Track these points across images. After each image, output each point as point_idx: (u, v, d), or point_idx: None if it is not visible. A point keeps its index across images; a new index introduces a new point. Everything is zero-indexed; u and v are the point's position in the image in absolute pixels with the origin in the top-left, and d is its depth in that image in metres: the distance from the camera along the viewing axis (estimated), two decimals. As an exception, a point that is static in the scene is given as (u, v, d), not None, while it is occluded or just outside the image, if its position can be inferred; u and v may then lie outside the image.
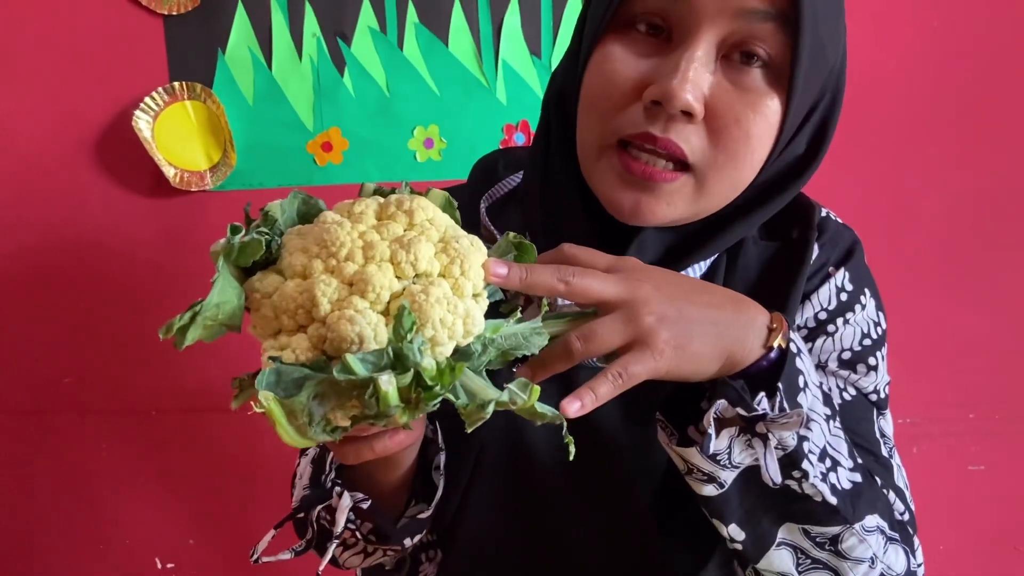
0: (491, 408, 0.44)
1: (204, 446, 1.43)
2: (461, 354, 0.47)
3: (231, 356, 1.39)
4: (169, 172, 1.28)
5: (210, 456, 1.44)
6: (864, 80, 1.25)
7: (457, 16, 1.25)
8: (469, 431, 0.44)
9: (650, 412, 0.63)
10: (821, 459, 0.57)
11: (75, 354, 1.40)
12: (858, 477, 0.60)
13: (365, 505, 0.62)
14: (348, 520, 0.62)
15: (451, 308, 0.45)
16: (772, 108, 0.58)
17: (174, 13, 1.25)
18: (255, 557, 0.62)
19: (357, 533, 0.64)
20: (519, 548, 0.74)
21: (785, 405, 0.56)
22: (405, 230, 0.48)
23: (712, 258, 0.70)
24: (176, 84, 1.27)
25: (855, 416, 0.69)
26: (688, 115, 0.57)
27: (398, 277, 0.46)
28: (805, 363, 0.59)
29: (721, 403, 0.55)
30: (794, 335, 0.59)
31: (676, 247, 0.66)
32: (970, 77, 1.26)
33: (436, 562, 0.77)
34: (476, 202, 0.75)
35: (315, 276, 0.45)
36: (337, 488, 0.63)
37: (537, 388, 0.45)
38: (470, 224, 0.55)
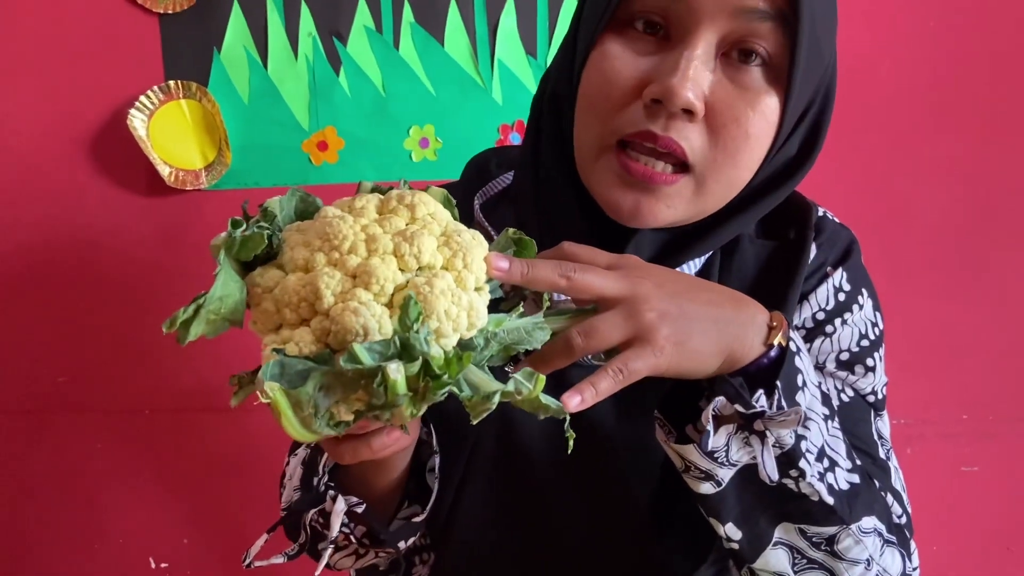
0: (497, 398, 0.44)
1: (199, 446, 1.43)
2: (464, 347, 0.47)
3: (226, 356, 1.38)
4: (164, 171, 1.28)
5: (205, 456, 1.43)
6: (859, 80, 1.25)
7: (453, 16, 1.25)
8: (475, 422, 0.44)
9: (645, 410, 0.63)
10: (819, 459, 0.57)
11: (70, 353, 1.39)
12: (856, 478, 0.60)
13: (359, 509, 0.62)
14: (342, 523, 0.62)
15: (455, 300, 0.45)
16: (771, 106, 0.59)
17: (170, 12, 1.25)
18: (248, 562, 0.62)
19: (351, 536, 0.64)
20: (513, 548, 0.74)
21: (783, 403, 0.56)
22: (407, 224, 0.48)
23: (706, 256, 0.70)
24: (171, 83, 1.26)
25: (853, 418, 0.69)
26: (689, 113, 0.57)
27: (401, 270, 0.46)
28: (804, 362, 0.59)
29: (720, 400, 0.55)
30: (794, 334, 0.60)
31: (671, 245, 0.66)
32: (966, 77, 1.27)
33: (429, 564, 0.77)
34: (469, 200, 0.75)
35: (318, 269, 0.45)
36: (331, 492, 0.62)
37: (542, 377, 0.45)
38: (464, 222, 0.55)
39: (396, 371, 0.40)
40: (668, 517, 0.70)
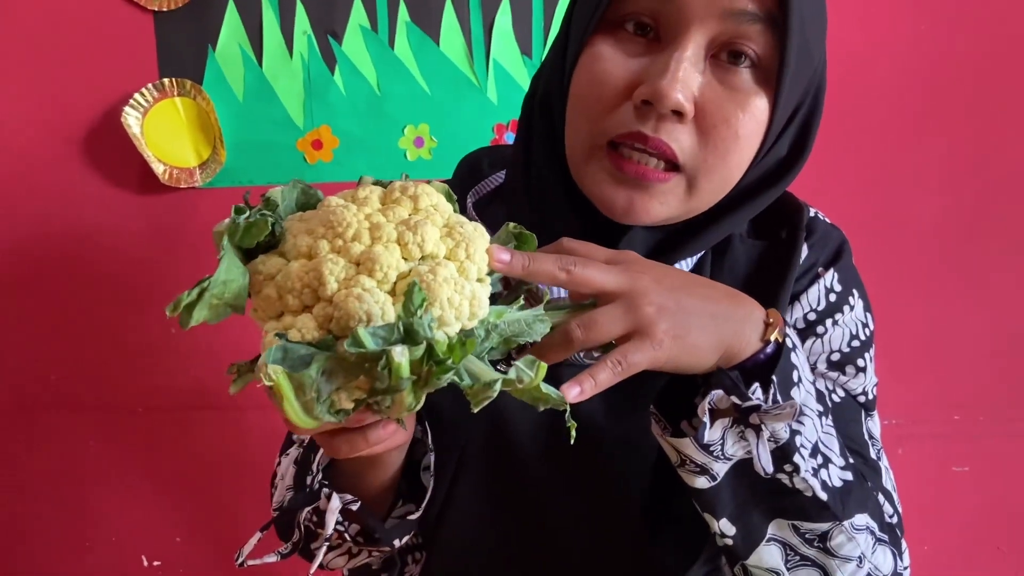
0: (498, 386, 0.44)
1: (192, 444, 1.43)
2: (465, 336, 0.47)
3: (220, 354, 1.39)
4: (158, 169, 1.28)
5: (198, 454, 1.43)
6: (852, 81, 1.26)
7: (448, 15, 1.25)
8: (476, 410, 0.45)
9: (637, 408, 0.64)
10: (813, 455, 0.58)
11: (63, 350, 1.39)
12: (849, 475, 0.61)
13: (354, 507, 0.62)
14: (336, 522, 0.62)
15: (458, 289, 0.45)
16: (760, 107, 0.59)
17: (164, 9, 1.25)
18: (240, 560, 0.62)
19: (345, 534, 0.64)
20: (504, 546, 0.74)
21: (779, 397, 0.56)
22: (410, 214, 0.49)
23: (698, 256, 0.70)
24: (166, 80, 1.26)
25: (844, 418, 0.70)
26: (678, 115, 0.57)
27: (404, 258, 0.46)
28: (799, 359, 0.60)
29: (716, 393, 0.55)
30: (789, 331, 0.60)
31: (663, 244, 0.67)
32: (959, 78, 1.27)
33: (420, 563, 0.78)
34: (462, 198, 0.75)
35: (322, 255, 0.45)
36: (325, 490, 0.62)
37: (544, 365, 0.46)
38: None
39: (401, 354, 0.40)
40: (661, 516, 0.71)
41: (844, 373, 0.71)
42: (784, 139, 0.64)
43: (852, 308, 0.72)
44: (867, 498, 0.62)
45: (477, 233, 0.49)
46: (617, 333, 0.51)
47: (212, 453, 1.43)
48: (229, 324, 1.37)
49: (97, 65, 1.27)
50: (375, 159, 1.30)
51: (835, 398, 0.70)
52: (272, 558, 0.63)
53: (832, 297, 0.71)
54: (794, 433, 0.56)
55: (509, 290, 0.54)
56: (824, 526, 0.59)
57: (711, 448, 0.56)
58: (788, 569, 0.61)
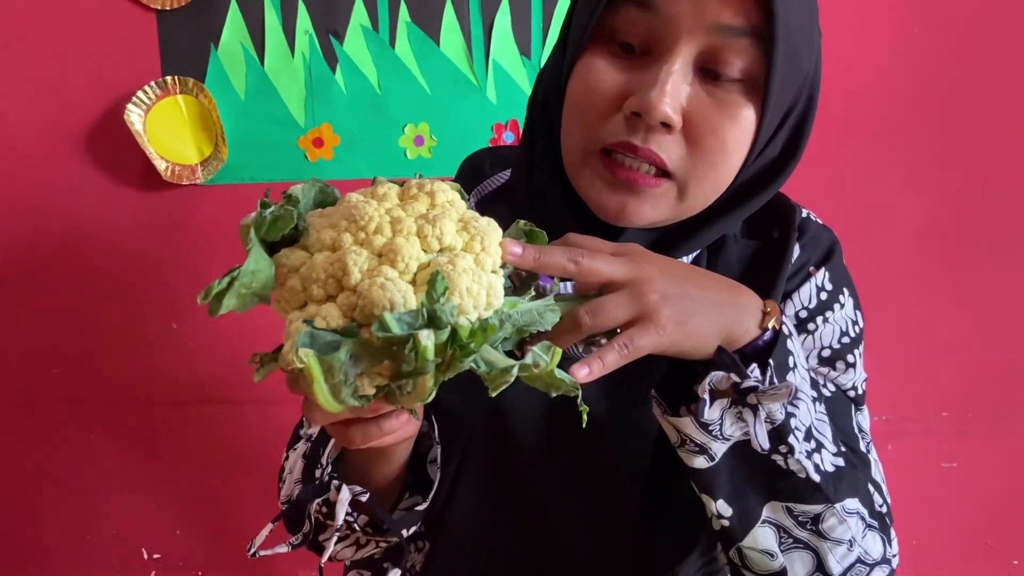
0: (515, 371, 0.46)
1: (192, 439, 1.45)
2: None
3: (219, 350, 1.41)
4: (160, 165, 1.29)
5: (198, 449, 1.45)
6: (845, 84, 1.28)
7: (449, 16, 1.27)
8: (493, 394, 0.46)
9: (635, 399, 0.66)
10: (807, 438, 0.60)
11: (65, 345, 1.40)
12: (841, 462, 0.63)
13: (364, 498, 0.64)
14: (346, 513, 0.64)
15: (476, 279, 0.47)
16: (747, 117, 0.61)
17: (167, 8, 1.26)
18: (252, 551, 0.64)
19: (354, 525, 0.66)
20: (506, 536, 0.76)
21: (775, 379, 0.58)
22: (428, 209, 0.51)
23: (693, 255, 0.72)
24: (168, 78, 1.28)
25: (835, 411, 0.71)
26: (667, 126, 0.59)
27: (424, 251, 0.48)
28: (795, 346, 0.62)
29: (716, 375, 0.57)
30: (786, 319, 0.62)
31: (658, 243, 0.69)
32: (949, 81, 1.29)
33: (424, 552, 0.80)
34: (465, 198, 0.77)
35: (346, 247, 0.47)
36: (335, 482, 0.64)
37: (559, 351, 0.48)
38: None
39: (427, 337, 0.42)
40: (658, 505, 0.73)
41: (835, 368, 0.73)
42: (776, 142, 0.66)
43: (843, 306, 0.74)
44: (858, 485, 0.64)
45: (491, 227, 0.51)
46: (623, 319, 0.53)
47: (211, 447, 1.45)
48: (228, 322, 1.38)
49: (100, 63, 1.28)
50: (376, 157, 1.31)
51: (826, 392, 0.72)
52: (283, 548, 0.64)
53: (823, 295, 0.73)
54: (789, 415, 0.58)
55: (520, 283, 0.56)
56: (816, 508, 0.61)
57: (710, 427, 0.58)
58: (782, 551, 0.63)
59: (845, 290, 0.75)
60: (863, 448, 0.72)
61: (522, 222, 0.55)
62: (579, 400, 0.50)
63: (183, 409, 1.43)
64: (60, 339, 1.40)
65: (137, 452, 1.46)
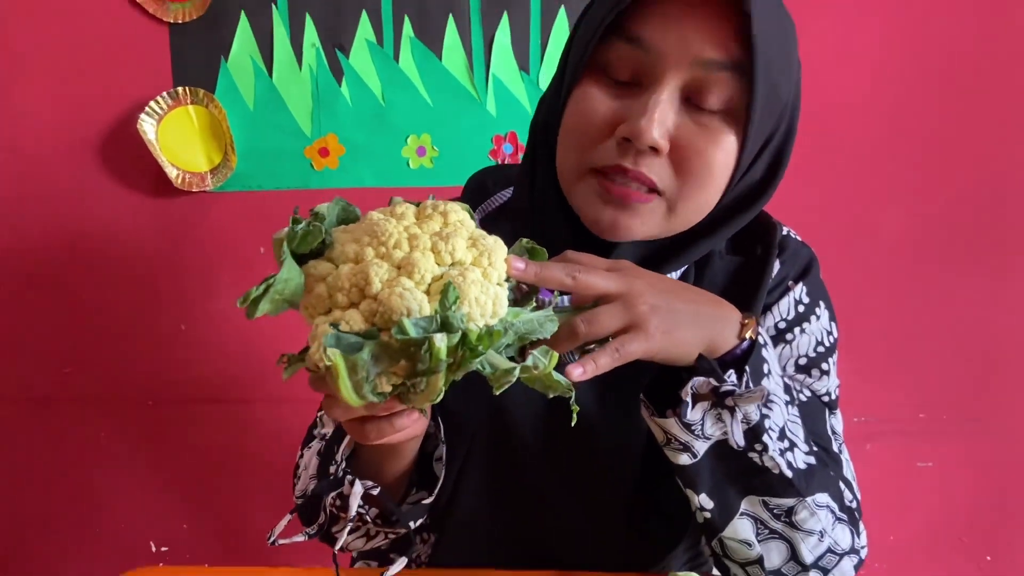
0: (517, 372, 0.52)
1: (198, 435, 1.49)
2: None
3: (226, 350, 1.45)
4: (172, 173, 1.34)
5: (204, 445, 1.49)
6: (828, 101, 1.32)
7: (451, 32, 1.32)
8: (497, 393, 0.52)
9: (625, 404, 0.71)
10: (780, 438, 0.66)
11: (77, 345, 1.45)
12: (813, 460, 0.69)
13: (375, 492, 0.69)
14: (358, 506, 0.69)
15: (484, 290, 0.52)
16: (730, 143, 0.66)
17: (179, 22, 1.31)
18: (272, 539, 0.69)
19: (366, 517, 0.71)
20: (505, 527, 0.82)
21: (751, 384, 0.64)
22: (441, 227, 0.56)
23: (682, 270, 0.78)
24: (180, 89, 1.32)
25: (811, 415, 0.77)
26: (655, 150, 0.65)
27: (438, 264, 0.53)
28: (770, 355, 0.67)
29: (698, 380, 0.63)
30: (762, 331, 0.68)
31: (648, 258, 0.74)
32: (928, 100, 1.34)
33: (429, 543, 0.85)
34: (473, 217, 0.82)
35: (368, 260, 0.52)
36: (349, 477, 0.69)
37: (556, 354, 0.53)
38: None
39: (441, 339, 0.48)
40: (648, 500, 0.78)
41: (810, 375, 0.79)
42: (758, 166, 0.72)
43: (819, 318, 0.80)
44: (828, 481, 0.70)
45: (497, 245, 0.56)
46: (615, 327, 0.59)
47: (217, 444, 1.50)
48: (235, 324, 1.43)
49: (115, 74, 1.33)
50: (379, 167, 1.36)
51: (802, 398, 0.78)
52: (300, 538, 0.69)
53: (800, 308, 0.79)
54: (764, 416, 0.64)
55: (522, 296, 0.61)
56: (789, 502, 0.67)
57: (693, 427, 0.64)
58: (759, 541, 0.69)
59: (821, 303, 0.80)
60: (836, 448, 0.78)
61: (525, 240, 0.61)
62: (572, 400, 0.55)
63: (191, 407, 1.47)
64: (72, 340, 1.44)
65: (146, 448, 1.50)
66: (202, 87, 1.33)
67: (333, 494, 0.70)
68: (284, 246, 0.53)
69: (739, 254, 0.80)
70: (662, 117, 0.64)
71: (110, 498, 1.52)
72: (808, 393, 0.79)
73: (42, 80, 1.34)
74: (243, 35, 1.32)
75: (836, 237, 1.37)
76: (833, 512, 0.69)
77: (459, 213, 0.58)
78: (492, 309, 0.53)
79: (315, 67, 1.33)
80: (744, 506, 0.68)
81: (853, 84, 1.34)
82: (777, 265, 0.79)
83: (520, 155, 1.35)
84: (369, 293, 0.51)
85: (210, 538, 1.55)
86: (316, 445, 0.81)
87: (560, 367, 0.55)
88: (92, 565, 1.54)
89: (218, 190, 1.37)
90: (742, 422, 0.64)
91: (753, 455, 0.65)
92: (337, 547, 0.71)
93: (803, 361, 0.79)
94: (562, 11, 1.30)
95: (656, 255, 0.74)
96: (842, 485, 0.73)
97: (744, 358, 0.65)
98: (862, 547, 0.73)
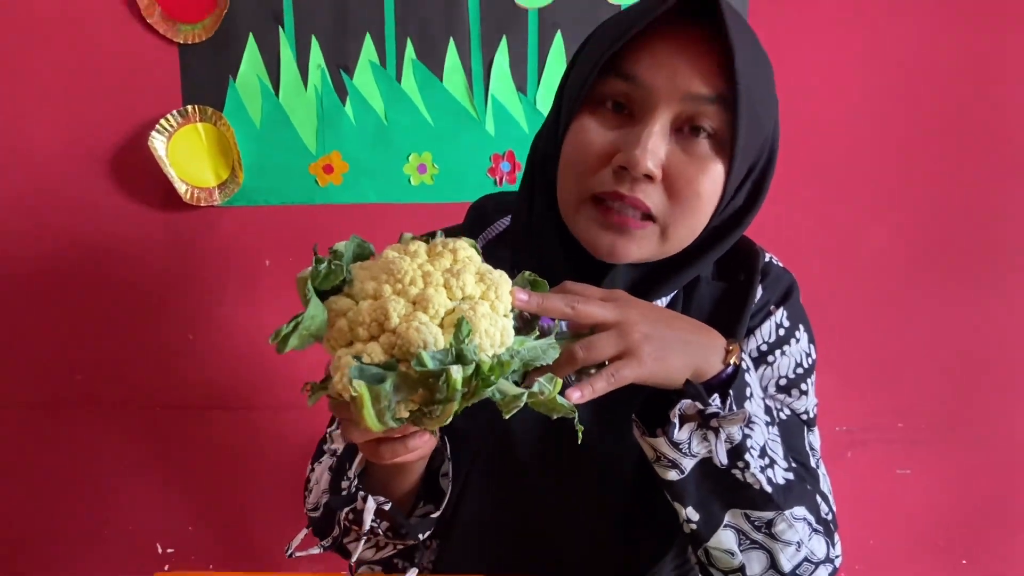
0: (524, 398, 0.56)
1: (205, 441, 1.52)
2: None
3: (231, 358, 1.48)
4: (181, 188, 1.38)
5: (210, 450, 1.53)
6: (811, 118, 1.36)
7: (451, 54, 1.36)
8: (507, 416, 0.56)
9: (619, 423, 0.76)
10: (761, 456, 0.71)
11: (87, 353, 1.48)
12: (791, 476, 0.73)
13: (386, 507, 0.74)
14: (371, 519, 0.73)
15: (492, 323, 0.56)
16: (717, 170, 0.71)
17: (190, 43, 1.35)
18: (290, 552, 0.74)
19: (377, 530, 0.75)
20: (505, 537, 0.87)
21: (734, 407, 0.69)
22: (451, 264, 0.60)
23: (672, 295, 0.83)
24: (189, 107, 1.36)
25: (790, 433, 0.82)
26: (649, 178, 0.70)
27: (449, 299, 0.57)
28: (752, 379, 0.72)
29: (685, 402, 0.68)
30: (745, 356, 0.73)
31: (641, 281, 0.79)
32: (910, 117, 1.38)
33: (433, 550, 0.90)
34: (478, 251, 0.87)
35: (386, 296, 0.56)
36: (361, 493, 0.74)
37: (559, 381, 0.57)
38: None
39: (457, 371, 0.52)
40: (639, 513, 0.83)
41: (790, 395, 0.84)
42: (741, 192, 0.77)
43: (798, 341, 0.85)
44: (805, 495, 0.75)
45: (503, 279, 0.61)
46: (611, 353, 0.63)
47: (222, 449, 1.53)
48: (240, 334, 1.47)
49: (128, 93, 1.36)
50: (381, 184, 1.41)
51: (782, 416, 0.82)
52: (316, 550, 0.74)
53: (781, 331, 0.84)
54: (745, 436, 0.69)
55: (524, 324, 0.66)
56: (769, 514, 0.71)
57: (680, 446, 0.69)
58: (741, 551, 0.73)
59: (801, 326, 0.85)
60: (813, 464, 0.82)
61: (527, 273, 0.65)
62: (575, 420, 0.60)
63: (197, 413, 1.50)
64: (84, 347, 1.47)
65: (153, 453, 1.53)
66: (211, 105, 1.37)
67: (347, 509, 0.74)
68: (308, 284, 0.57)
69: (724, 280, 0.84)
70: (655, 148, 0.69)
71: (118, 500, 1.55)
72: (788, 412, 0.83)
73: (58, 99, 1.37)
74: (251, 56, 1.36)
75: (817, 250, 1.41)
76: (810, 524, 0.74)
77: (467, 250, 0.63)
78: (500, 339, 0.57)
79: (320, 87, 1.37)
80: (727, 518, 0.73)
81: (837, 101, 1.37)
82: (760, 290, 0.83)
83: (517, 173, 1.40)
84: (388, 327, 0.55)
85: (214, 540, 1.58)
86: (327, 460, 0.85)
87: (560, 389, 0.59)
88: (99, 564, 1.57)
89: (225, 205, 1.41)
90: (725, 442, 0.69)
91: (736, 472, 0.70)
92: (353, 559, 0.75)
93: (783, 382, 0.84)
94: (558, 36, 1.34)
95: (648, 277, 0.79)
96: (819, 499, 0.78)
97: (728, 382, 0.69)
98: (837, 556, 0.78)
